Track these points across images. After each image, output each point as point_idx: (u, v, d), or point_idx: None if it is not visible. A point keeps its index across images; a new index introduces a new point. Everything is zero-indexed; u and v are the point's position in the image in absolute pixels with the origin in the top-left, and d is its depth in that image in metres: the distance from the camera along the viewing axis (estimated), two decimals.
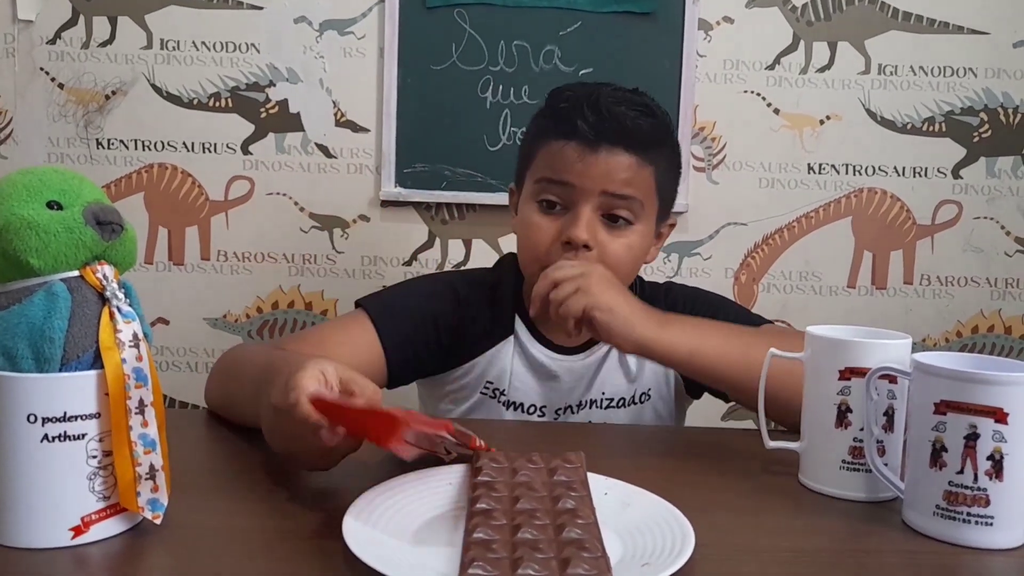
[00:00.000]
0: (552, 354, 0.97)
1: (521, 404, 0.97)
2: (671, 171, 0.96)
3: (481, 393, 0.98)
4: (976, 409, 0.58)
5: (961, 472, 0.58)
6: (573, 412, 0.97)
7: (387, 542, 0.53)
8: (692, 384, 0.98)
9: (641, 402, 0.98)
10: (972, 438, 0.58)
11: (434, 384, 1.02)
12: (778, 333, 0.88)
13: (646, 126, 0.90)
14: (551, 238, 0.90)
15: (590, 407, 0.97)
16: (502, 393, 0.97)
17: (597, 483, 0.63)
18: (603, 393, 0.97)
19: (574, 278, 0.80)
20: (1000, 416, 0.57)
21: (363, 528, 0.54)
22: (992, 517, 0.58)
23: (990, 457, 0.57)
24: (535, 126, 0.98)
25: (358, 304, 0.96)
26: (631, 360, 0.98)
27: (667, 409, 1.00)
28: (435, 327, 0.96)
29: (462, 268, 1.07)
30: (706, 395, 0.99)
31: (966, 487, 0.58)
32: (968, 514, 0.58)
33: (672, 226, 1.02)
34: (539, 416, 0.97)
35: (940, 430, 0.59)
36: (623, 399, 0.98)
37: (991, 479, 0.57)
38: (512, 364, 0.97)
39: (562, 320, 0.80)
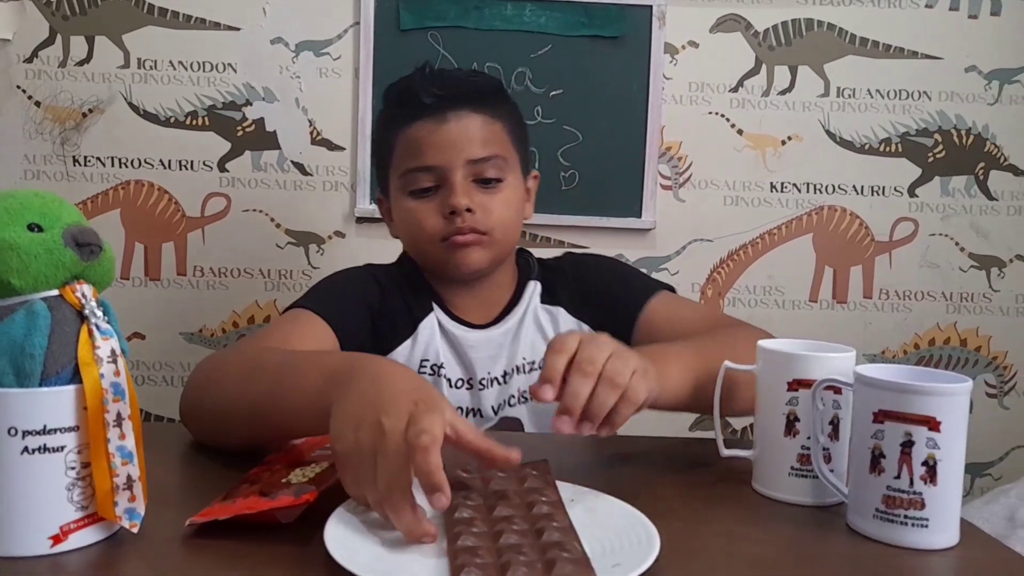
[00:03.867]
0: (466, 329, 1.01)
1: (449, 379, 1.00)
2: (518, 126, 1.02)
3: (419, 373, 0.99)
4: (911, 418, 0.61)
5: (898, 477, 0.62)
6: (500, 383, 1.00)
7: (369, 550, 0.54)
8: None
9: None
10: (908, 445, 0.61)
11: None
12: (730, 330, 0.90)
13: (482, 82, 0.99)
14: (434, 214, 0.95)
15: (516, 373, 1.00)
16: (440, 367, 0.99)
17: (562, 490, 0.64)
18: (524, 358, 1.00)
19: (618, 374, 0.65)
20: (933, 424, 0.61)
21: (346, 536, 0.55)
22: (927, 519, 0.61)
23: (924, 463, 0.61)
24: (381, 124, 1.03)
25: (291, 308, 0.95)
26: (546, 323, 1.02)
27: None
28: (369, 312, 0.98)
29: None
30: None
31: (903, 491, 0.62)
32: (905, 516, 0.61)
33: (536, 178, 1.07)
34: (467, 388, 1.00)
35: (879, 438, 0.63)
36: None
37: (926, 483, 0.61)
38: (438, 340, 1.00)
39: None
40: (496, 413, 1.00)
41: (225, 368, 0.79)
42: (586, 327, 1.02)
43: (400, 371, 0.63)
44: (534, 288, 1.04)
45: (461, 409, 1.00)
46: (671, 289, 1.04)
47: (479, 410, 1.00)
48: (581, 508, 0.63)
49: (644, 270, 1.59)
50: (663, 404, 0.75)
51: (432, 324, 1.00)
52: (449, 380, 0.99)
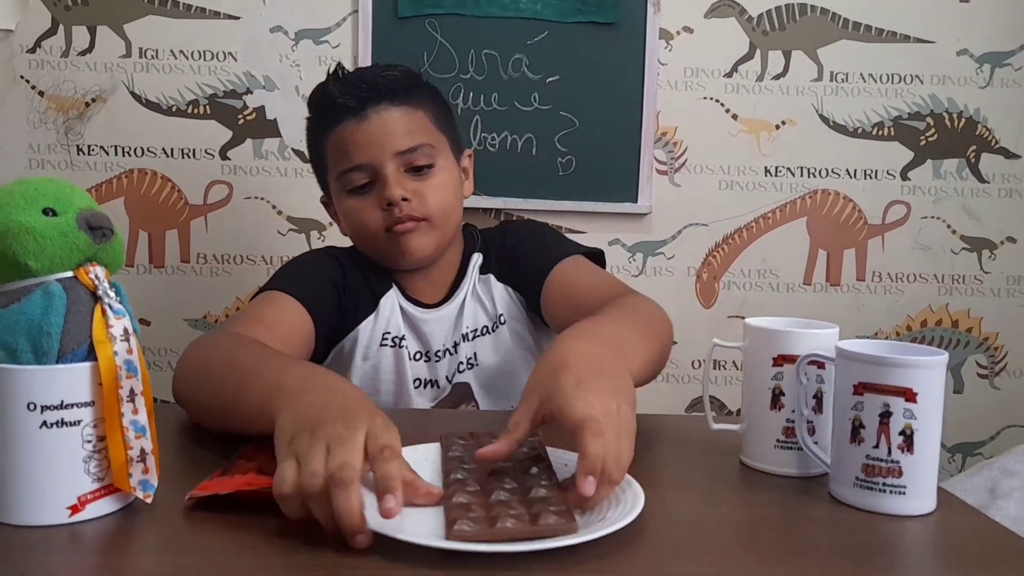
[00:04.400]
0: (421, 309, 1.06)
1: (409, 351, 1.06)
2: (441, 110, 1.06)
3: (382, 346, 1.05)
4: (889, 390, 0.64)
5: (877, 447, 0.64)
6: (451, 354, 1.06)
7: (370, 507, 0.56)
8: (536, 303, 1.05)
9: (501, 323, 1.07)
10: (886, 416, 0.64)
11: (340, 353, 1.07)
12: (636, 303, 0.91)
13: (395, 75, 1.01)
14: (373, 208, 1.00)
15: (463, 341, 1.07)
16: (403, 339, 1.05)
17: (558, 456, 0.68)
18: (467, 327, 1.07)
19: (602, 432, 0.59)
20: (910, 396, 0.63)
21: None
22: (905, 487, 0.64)
23: (902, 432, 0.64)
24: (310, 131, 1.08)
25: (263, 290, 1.00)
26: (482, 292, 1.08)
27: (524, 329, 1.09)
28: (335, 290, 1.04)
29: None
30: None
31: (881, 460, 0.64)
32: (884, 484, 0.64)
33: (470, 156, 1.12)
34: (425, 360, 1.06)
35: (858, 409, 0.65)
36: (486, 327, 1.07)
37: (903, 452, 0.64)
38: (398, 315, 1.06)
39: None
40: (450, 382, 1.06)
41: (207, 359, 0.82)
42: (511, 290, 1.08)
43: (352, 397, 0.64)
44: (476, 260, 1.10)
45: (420, 380, 1.06)
46: (598, 256, 1.07)
47: (435, 381, 1.06)
48: (573, 472, 0.66)
49: (640, 255, 1.63)
50: None
51: (392, 300, 1.06)
52: (409, 352, 1.06)
